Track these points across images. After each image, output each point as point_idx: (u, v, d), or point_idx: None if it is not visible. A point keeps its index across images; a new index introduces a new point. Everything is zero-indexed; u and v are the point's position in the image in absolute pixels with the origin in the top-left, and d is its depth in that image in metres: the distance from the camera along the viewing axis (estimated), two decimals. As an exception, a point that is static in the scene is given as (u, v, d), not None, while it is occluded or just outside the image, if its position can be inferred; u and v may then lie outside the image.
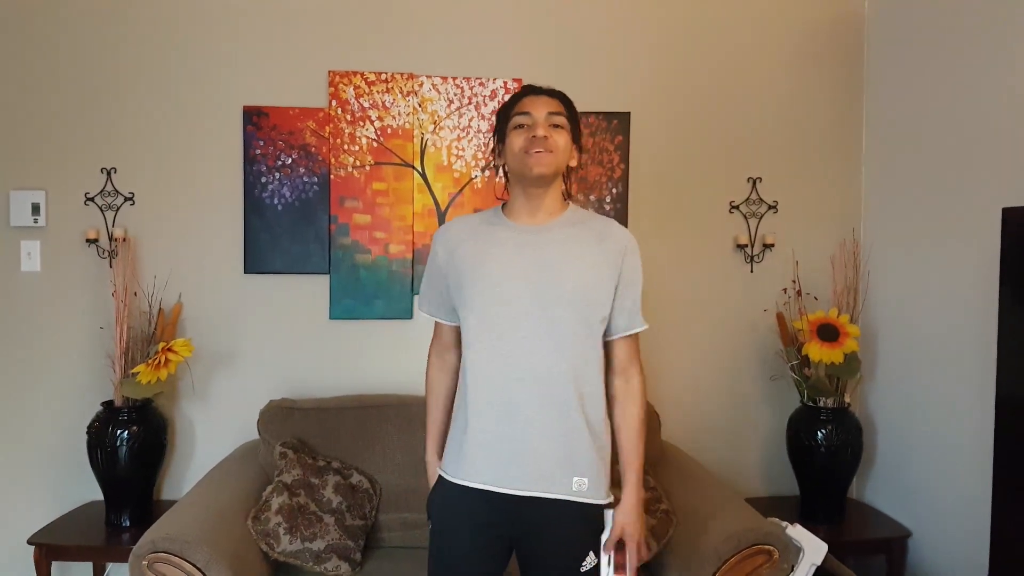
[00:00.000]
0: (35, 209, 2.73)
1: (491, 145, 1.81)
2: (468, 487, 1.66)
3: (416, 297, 1.89)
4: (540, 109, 1.67)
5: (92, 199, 2.76)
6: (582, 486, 1.64)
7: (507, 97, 2.84)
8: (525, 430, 1.63)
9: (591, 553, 1.68)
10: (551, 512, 1.64)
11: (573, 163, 1.75)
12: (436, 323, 1.85)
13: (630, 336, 1.75)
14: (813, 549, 2.32)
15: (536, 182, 1.67)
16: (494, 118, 1.79)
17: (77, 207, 2.76)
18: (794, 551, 2.29)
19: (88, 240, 2.74)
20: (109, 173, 2.77)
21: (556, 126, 1.67)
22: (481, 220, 1.77)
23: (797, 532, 2.36)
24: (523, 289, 1.64)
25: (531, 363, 1.63)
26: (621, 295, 1.71)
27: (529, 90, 1.73)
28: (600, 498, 1.68)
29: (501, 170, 1.78)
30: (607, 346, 1.74)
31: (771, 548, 2.10)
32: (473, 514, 1.67)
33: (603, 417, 1.70)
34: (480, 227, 1.74)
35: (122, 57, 2.76)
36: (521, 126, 1.67)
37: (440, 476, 1.74)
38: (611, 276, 1.69)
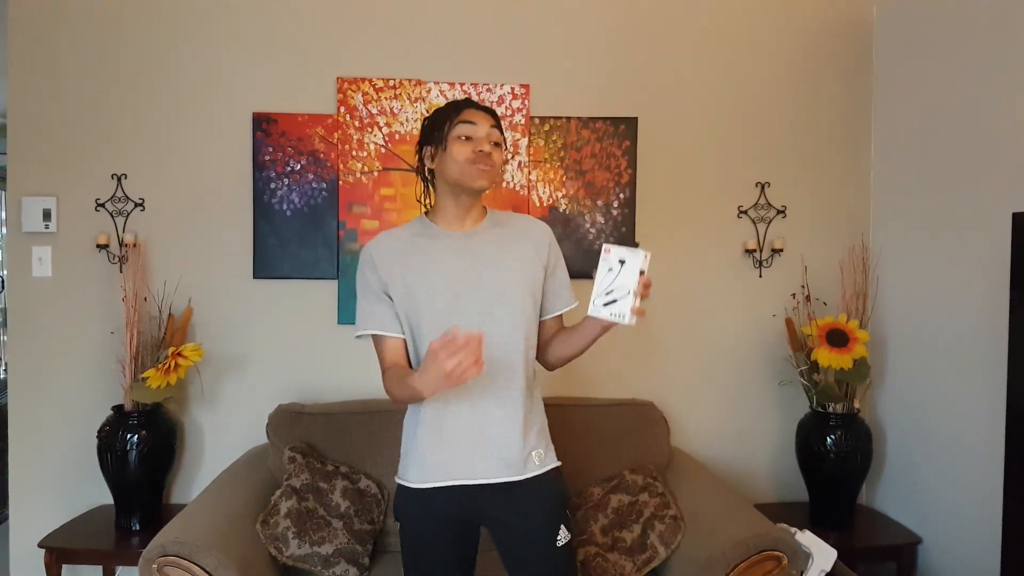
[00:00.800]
0: (46, 215, 2.75)
1: (419, 148, 1.80)
2: (436, 488, 1.72)
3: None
4: (483, 124, 1.72)
5: (102, 205, 2.79)
6: (540, 457, 1.76)
7: (516, 104, 2.85)
8: (487, 422, 1.71)
9: (562, 527, 1.75)
10: (519, 493, 1.72)
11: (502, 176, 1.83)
12: (382, 343, 1.74)
13: (561, 314, 1.87)
14: (822, 555, 2.31)
15: (473, 193, 1.73)
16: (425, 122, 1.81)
17: (88, 213, 2.78)
18: (803, 557, 2.28)
19: (99, 246, 2.76)
20: (119, 179, 2.79)
21: (496, 143, 1.73)
22: (412, 233, 1.78)
23: (806, 538, 2.35)
24: (472, 292, 1.71)
25: (487, 358, 1.66)
26: (552, 280, 1.83)
27: (470, 103, 1.76)
28: (553, 461, 1.79)
29: (425, 174, 1.80)
30: (539, 324, 1.84)
31: (780, 554, 2.10)
32: (443, 513, 1.73)
33: (539, 391, 1.84)
34: (415, 240, 1.76)
35: (132, 64, 2.78)
36: (467, 137, 1.70)
37: (402, 485, 1.77)
38: (542, 267, 1.80)
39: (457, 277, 1.71)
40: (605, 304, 1.57)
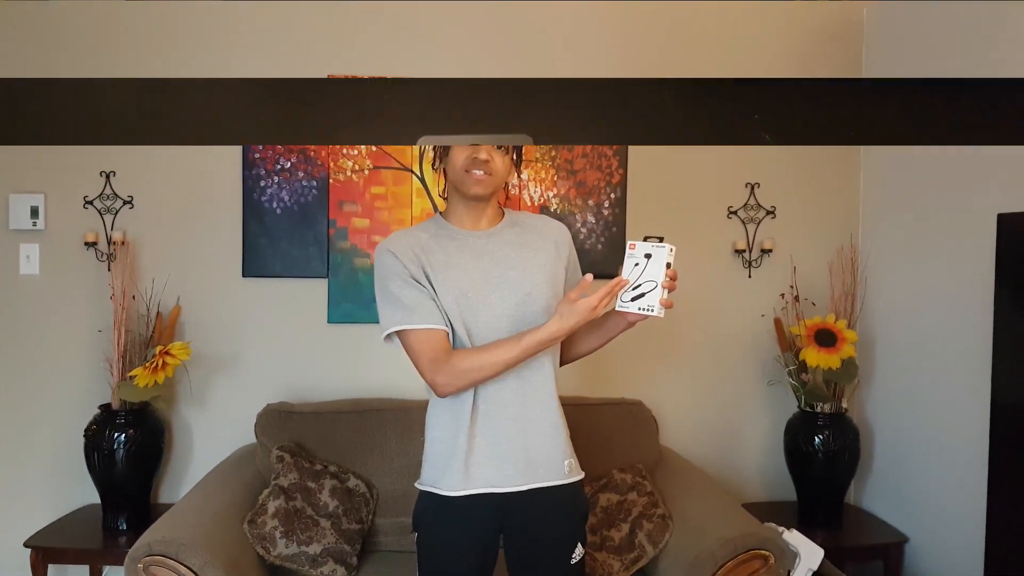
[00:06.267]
0: (34, 212, 2.74)
1: (435, 148, 1.77)
2: (468, 495, 1.66)
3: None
4: None
5: (91, 202, 2.77)
6: (571, 467, 1.74)
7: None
8: (520, 426, 1.67)
9: (579, 544, 1.73)
10: (545, 502, 1.69)
11: (511, 179, 1.78)
12: (426, 334, 1.63)
13: None
14: (810, 554, 2.33)
15: (474, 198, 1.69)
16: None
17: (76, 210, 2.76)
18: (790, 556, 2.29)
19: (87, 243, 2.75)
20: (108, 176, 2.78)
21: (499, 147, 1.68)
22: (427, 232, 1.74)
23: (794, 537, 2.36)
24: (498, 293, 1.67)
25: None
26: (570, 282, 1.80)
27: None
28: (578, 475, 1.76)
29: (443, 174, 1.76)
30: None
31: (767, 553, 2.11)
32: (475, 521, 1.68)
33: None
34: (432, 240, 1.71)
35: (121, 61, 2.77)
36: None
37: (433, 493, 1.70)
38: (563, 267, 1.79)
39: (481, 278, 1.67)
40: (632, 299, 1.59)
